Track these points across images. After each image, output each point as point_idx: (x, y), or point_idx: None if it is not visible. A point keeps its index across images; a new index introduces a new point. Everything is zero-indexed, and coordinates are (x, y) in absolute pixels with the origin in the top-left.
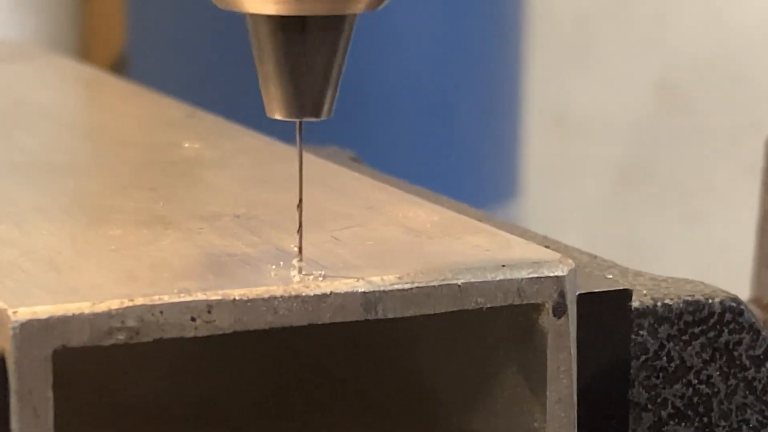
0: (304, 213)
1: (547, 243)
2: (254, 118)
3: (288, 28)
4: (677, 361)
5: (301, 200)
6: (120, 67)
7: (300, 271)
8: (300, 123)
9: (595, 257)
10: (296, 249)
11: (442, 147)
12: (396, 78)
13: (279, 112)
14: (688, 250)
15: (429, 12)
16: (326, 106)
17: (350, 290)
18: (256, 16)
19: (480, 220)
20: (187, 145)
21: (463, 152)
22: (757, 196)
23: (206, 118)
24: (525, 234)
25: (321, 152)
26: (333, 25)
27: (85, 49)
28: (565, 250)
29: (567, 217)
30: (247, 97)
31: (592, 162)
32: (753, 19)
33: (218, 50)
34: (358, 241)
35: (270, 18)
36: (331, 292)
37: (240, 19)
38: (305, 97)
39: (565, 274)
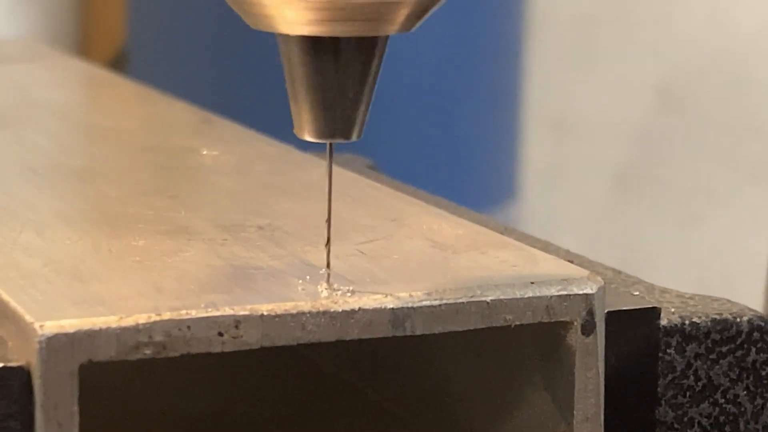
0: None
1: (570, 257)
2: (254, 115)
3: (320, 49)
4: (704, 380)
5: (329, 234)
6: (120, 63)
7: (328, 286)
8: (330, 144)
9: (620, 272)
10: (324, 266)
11: (442, 149)
12: (395, 80)
13: (309, 134)
14: (687, 254)
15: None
16: (357, 128)
17: (379, 306)
18: (288, 37)
19: (502, 233)
20: (205, 152)
21: (463, 154)
22: (758, 199)
23: (221, 123)
24: (548, 248)
25: (337, 159)
26: (366, 46)
27: (85, 45)
28: (589, 264)
29: (565, 219)
30: (247, 93)
31: (592, 165)
32: (753, 22)
33: (218, 47)
34: (384, 254)
35: (302, 39)
36: (360, 308)
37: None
38: (336, 119)
39: (594, 291)
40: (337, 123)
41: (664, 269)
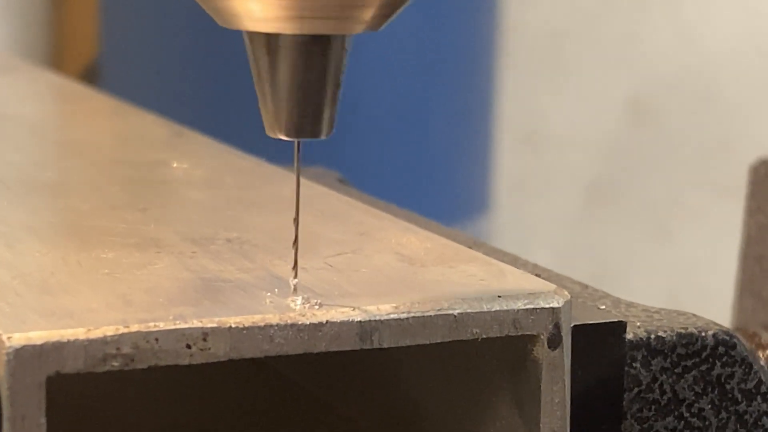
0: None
1: (537, 271)
2: (225, 127)
3: (288, 48)
4: (669, 394)
5: (297, 233)
6: (92, 75)
7: (296, 299)
8: (298, 142)
9: (587, 287)
10: (292, 280)
11: (413, 162)
12: (367, 92)
13: (279, 132)
14: (657, 267)
15: (402, 26)
16: (326, 126)
17: (346, 319)
18: (254, 35)
19: (470, 247)
20: (175, 164)
21: (434, 167)
22: (727, 214)
23: (193, 136)
24: (516, 262)
25: (307, 173)
26: (333, 44)
27: (57, 58)
28: (557, 279)
29: (537, 232)
30: (218, 106)
31: (563, 178)
32: (723, 38)
33: (190, 59)
34: (353, 268)
35: (269, 37)
36: (327, 321)
37: (214, 28)
38: (305, 117)
39: (560, 305)
40: (306, 121)
41: (634, 282)
